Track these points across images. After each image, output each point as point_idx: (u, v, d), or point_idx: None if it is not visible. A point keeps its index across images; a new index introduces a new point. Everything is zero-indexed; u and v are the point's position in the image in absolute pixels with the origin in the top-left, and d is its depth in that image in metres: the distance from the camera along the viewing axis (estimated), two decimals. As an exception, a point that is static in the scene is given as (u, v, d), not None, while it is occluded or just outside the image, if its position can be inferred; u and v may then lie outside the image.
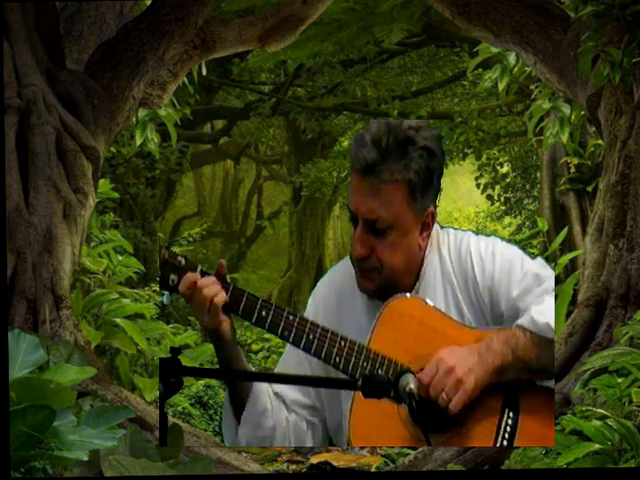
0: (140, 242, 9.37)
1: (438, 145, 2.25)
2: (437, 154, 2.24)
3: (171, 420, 4.51)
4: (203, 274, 2.18)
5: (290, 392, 2.34)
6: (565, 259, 7.02)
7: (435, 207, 2.29)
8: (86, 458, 2.90)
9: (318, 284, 2.48)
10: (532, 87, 7.34)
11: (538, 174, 9.87)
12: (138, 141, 6.71)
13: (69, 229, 4.81)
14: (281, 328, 2.17)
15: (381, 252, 2.23)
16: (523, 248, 2.35)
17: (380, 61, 11.14)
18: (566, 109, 6.53)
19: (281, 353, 2.48)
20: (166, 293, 2.19)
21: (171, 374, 1.94)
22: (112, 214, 7.39)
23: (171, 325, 7.20)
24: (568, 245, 7.85)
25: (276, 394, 2.33)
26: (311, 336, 2.16)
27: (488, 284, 2.24)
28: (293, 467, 5.15)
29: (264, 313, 2.17)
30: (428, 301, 2.24)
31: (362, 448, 5.28)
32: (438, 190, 2.29)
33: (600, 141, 6.68)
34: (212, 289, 2.16)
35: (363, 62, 10.98)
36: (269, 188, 18.48)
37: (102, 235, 6.37)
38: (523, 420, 2.15)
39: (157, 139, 6.97)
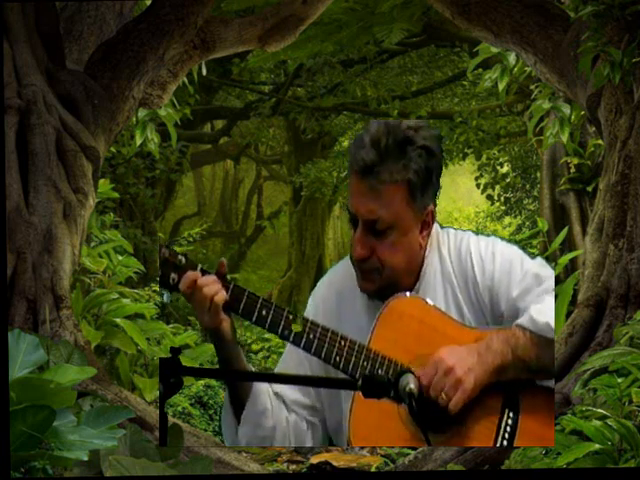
0: (140, 242, 9.37)
1: (437, 144, 2.25)
2: (436, 153, 2.23)
3: (171, 420, 4.51)
4: (204, 273, 2.18)
5: (290, 392, 2.34)
6: (565, 259, 7.02)
7: (435, 206, 2.29)
8: (86, 458, 2.90)
9: (318, 284, 2.48)
10: (532, 87, 7.34)
11: (538, 174, 9.87)
12: (138, 141, 6.71)
13: (69, 229, 4.81)
14: (281, 327, 2.17)
15: (382, 253, 2.23)
16: (523, 248, 2.35)
17: (380, 61, 11.14)
18: (566, 109, 6.53)
19: (281, 353, 2.48)
20: (166, 292, 2.19)
21: (171, 374, 1.94)
22: (112, 214, 7.39)
23: (171, 325, 7.20)
24: (568, 245, 7.85)
25: (276, 394, 2.33)
26: (311, 335, 2.16)
27: (488, 284, 2.24)
28: (293, 467, 5.15)
29: (264, 312, 2.17)
30: (428, 301, 2.24)
31: (362, 448, 5.28)
32: (437, 189, 2.29)
33: (600, 141, 6.68)
34: (212, 288, 2.15)
35: (363, 62, 10.98)
36: (269, 188, 18.48)
37: (102, 235, 6.37)
38: (523, 420, 2.15)
39: (157, 139, 6.97)
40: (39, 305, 4.44)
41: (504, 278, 2.23)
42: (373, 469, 4.75)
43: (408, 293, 2.25)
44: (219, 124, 14.65)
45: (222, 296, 2.16)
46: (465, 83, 11.64)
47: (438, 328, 2.20)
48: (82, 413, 3.24)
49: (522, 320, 2.15)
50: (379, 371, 2.15)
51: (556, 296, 4.95)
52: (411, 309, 2.22)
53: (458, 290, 2.28)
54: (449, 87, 12.05)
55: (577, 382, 3.97)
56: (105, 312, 5.45)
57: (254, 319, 2.18)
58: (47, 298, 4.48)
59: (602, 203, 4.95)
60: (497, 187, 11.76)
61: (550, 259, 7.05)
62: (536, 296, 2.19)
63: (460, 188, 18.62)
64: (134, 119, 6.42)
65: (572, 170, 8.07)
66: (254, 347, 9.27)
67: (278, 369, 2.43)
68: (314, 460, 5.01)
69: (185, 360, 1.97)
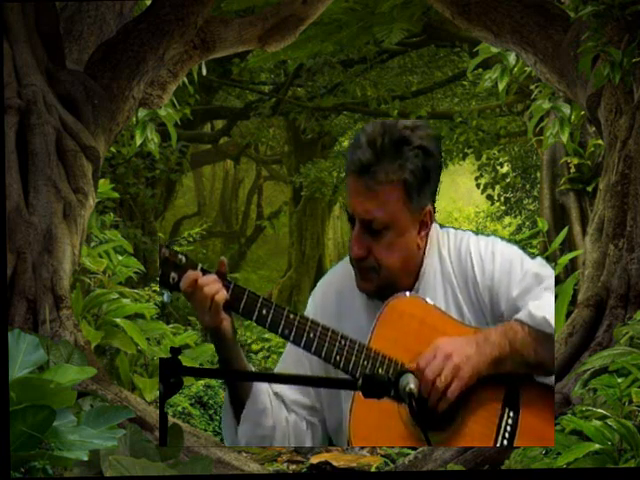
0: (140, 242, 9.37)
1: (435, 144, 2.24)
2: (433, 153, 2.23)
3: (171, 420, 4.51)
4: (204, 272, 2.18)
5: (290, 392, 2.34)
6: (565, 259, 7.02)
7: (433, 206, 2.29)
8: (86, 458, 2.90)
9: (318, 284, 2.48)
10: (532, 87, 7.34)
11: (538, 174, 9.88)
12: (138, 141, 6.71)
13: (69, 229, 4.81)
14: (281, 327, 2.17)
15: (378, 252, 2.23)
16: (523, 248, 2.34)
17: (380, 61, 11.14)
18: (566, 109, 6.53)
19: (281, 353, 2.48)
20: (166, 291, 2.19)
21: (171, 374, 1.94)
22: (112, 214, 7.39)
23: (171, 325, 7.20)
24: (568, 245, 7.85)
25: (276, 394, 2.33)
26: (311, 335, 2.16)
27: (488, 284, 2.24)
28: (293, 467, 5.15)
29: (265, 312, 2.17)
30: (428, 300, 2.24)
31: (362, 448, 5.28)
32: (436, 189, 2.28)
33: (600, 141, 6.68)
34: (213, 287, 2.15)
35: (363, 62, 10.98)
36: (269, 188, 18.49)
37: (102, 235, 6.37)
38: (523, 420, 2.15)
39: (157, 139, 6.97)
40: (39, 305, 4.44)
41: (504, 278, 2.23)
42: (373, 469, 4.75)
43: (408, 293, 2.25)
44: (219, 124, 14.65)
45: (223, 295, 2.16)
46: (465, 83, 11.64)
47: (438, 328, 2.20)
48: (82, 413, 3.24)
49: (520, 315, 2.16)
50: (379, 370, 2.15)
51: (556, 296, 4.95)
52: (411, 308, 2.22)
53: (458, 290, 2.28)
54: (449, 87, 12.05)
55: (577, 382, 3.97)
56: (105, 312, 5.45)
57: (254, 318, 2.18)
58: (47, 298, 4.48)
59: (602, 203, 4.95)
60: (497, 187, 11.76)
61: (550, 259, 7.05)
62: (536, 295, 2.19)
63: (460, 188, 18.62)
64: (134, 119, 6.42)
65: (572, 170, 8.07)
66: (254, 347, 9.28)
67: (278, 369, 2.43)
68: (314, 460, 5.01)
69: (185, 360, 1.97)
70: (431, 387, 2.08)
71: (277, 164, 17.01)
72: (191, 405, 6.01)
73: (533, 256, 2.30)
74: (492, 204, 12.54)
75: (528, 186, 11.72)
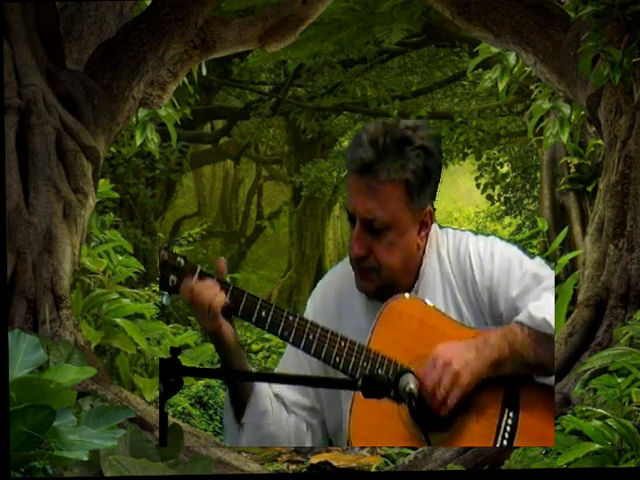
0: (140, 242, 9.37)
1: (435, 144, 2.24)
2: (434, 153, 2.23)
3: (171, 420, 4.51)
4: (202, 275, 2.17)
5: (289, 393, 2.34)
6: (565, 259, 7.03)
7: (433, 206, 2.29)
8: (86, 458, 2.90)
9: (317, 285, 2.48)
10: (532, 87, 7.34)
11: (538, 174, 9.88)
12: (138, 141, 6.71)
13: (69, 229, 4.81)
14: (281, 328, 2.17)
15: (379, 252, 2.23)
16: (523, 248, 2.34)
17: (380, 61, 11.14)
18: (566, 109, 6.53)
19: (281, 353, 2.48)
20: (165, 294, 2.19)
21: (171, 374, 1.94)
22: (112, 214, 7.40)
23: (171, 325, 7.21)
24: (568, 245, 7.86)
25: (276, 395, 2.33)
26: (311, 336, 2.16)
27: (487, 284, 2.24)
28: (293, 467, 5.15)
29: (264, 313, 2.17)
30: (428, 301, 2.24)
31: (362, 448, 5.28)
32: (436, 189, 2.28)
33: (600, 141, 6.68)
34: (210, 292, 2.15)
35: (363, 62, 10.98)
36: (269, 188, 18.49)
37: (102, 235, 6.37)
38: (523, 420, 2.15)
39: (157, 139, 6.97)
40: (39, 305, 4.44)
41: (503, 278, 2.23)
42: (373, 469, 4.75)
43: (407, 294, 2.25)
44: (219, 124, 14.65)
45: (220, 299, 2.16)
46: (465, 83, 11.64)
47: (438, 328, 2.20)
48: (82, 413, 3.24)
49: (520, 316, 2.16)
50: (379, 371, 2.15)
51: (556, 296, 4.95)
52: (411, 309, 2.22)
53: (457, 290, 2.28)
54: (449, 87, 12.05)
55: (577, 382, 3.97)
56: (105, 312, 5.45)
57: (254, 320, 2.18)
58: (47, 298, 4.48)
59: (602, 203, 4.95)
60: (497, 187, 11.76)
61: (550, 259, 7.06)
62: (535, 295, 2.19)
63: (460, 188, 18.62)
64: (134, 119, 6.42)
65: (572, 170, 8.07)
66: (254, 347, 9.28)
67: (278, 370, 2.43)
68: (314, 460, 5.02)
69: (185, 360, 1.97)
70: (432, 397, 2.09)
71: (277, 164, 17.02)
72: (191, 405, 6.01)
73: (532, 256, 2.30)
74: (492, 204, 12.55)
75: (528, 186, 11.72)
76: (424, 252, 2.30)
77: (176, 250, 2.22)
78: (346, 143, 13.96)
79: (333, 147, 14.81)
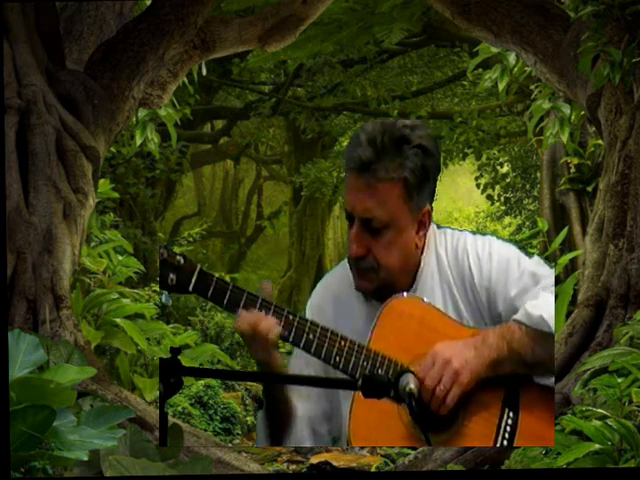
0: (140, 242, 9.37)
1: (433, 143, 2.25)
2: (433, 153, 2.23)
3: (171, 420, 4.51)
4: (248, 302, 2.16)
5: (321, 427, 2.37)
6: (565, 259, 7.02)
7: (431, 206, 2.29)
8: (86, 458, 2.90)
9: (316, 287, 2.48)
10: (532, 87, 7.34)
11: (538, 174, 9.87)
12: (138, 141, 6.70)
13: (69, 229, 4.81)
14: (281, 327, 2.17)
15: (377, 251, 2.23)
16: (522, 247, 2.35)
17: (380, 61, 11.14)
18: (566, 109, 6.53)
19: (282, 353, 2.48)
20: (165, 293, 2.18)
21: (171, 374, 1.94)
22: (112, 214, 7.40)
23: (171, 325, 7.20)
24: (568, 245, 7.85)
25: (314, 431, 2.37)
26: (311, 336, 2.16)
27: (485, 284, 2.25)
28: (293, 467, 5.15)
29: (264, 312, 2.17)
30: (427, 300, 2.24)
31: (362, 448, 5.28)
32: (434, 189, 2.29)
33: (600, 141, 6.68)
34: (267, 324, 2.16)
35: (363, 62, 10.98)
36: (269, 188, 18.48)
37: (102, 235, 6.37)
38: (523, 420, 2.15)
39: (157, 139, 6.97)
40: (39, 305, 4.44)
41: (501, 277, 2.23)
42: (373, 469, 4.75)
43: (406, 293, 2.25)
44: (219, 124, 14.65)
45: (277, 332, 2.17)
46: (465, 83, 11.64)
47: (438, 328, 2.20)
48: (82, 413, 3.24)
49: (518, 315, 2.16)
50: (379, 371, 2.15)
51: (556, 296, 4.95)
52: (410, 309, 2.22)
53: (455, 290, 2.28)
54: (449, 87, 12.04)
55: (577, 382, 3.97)
56: (105, 312, 5.45)
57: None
58: (47, 298, 4.48)
59: (602, 203, 4.95)
60: (497, 187, 11.76)
61: (550, 259, 7.06)
62: (533, 294, 2.19)
63: (460, 188, 18.61)
64: (134, 119, 6.42)
65: (572, 170, 8.07)
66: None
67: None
68: (314, 460, 5.02)
69: (185, 360, 1.97)
70: (431, 395, 2.09)
71: (277, 164, 17.01)
72: (191, 405, 6.02)
73: (531, 255, 2.30)
74: (492, 204, 12.54)
75: (528, 186, 11.72)
76: (422, 252, 2.30)
77: (176, 250, 2.22)
78: (346, 143, 13.95)
79: (333, 147, 14.81)
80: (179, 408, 5.91)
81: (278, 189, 18.19)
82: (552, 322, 2.14)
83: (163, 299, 2.22)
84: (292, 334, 2.17)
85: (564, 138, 6.66)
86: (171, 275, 2.16)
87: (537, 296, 2.18)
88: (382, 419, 2.16)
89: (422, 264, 2.30)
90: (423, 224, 2.28)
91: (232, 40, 6.29)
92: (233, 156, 15.39)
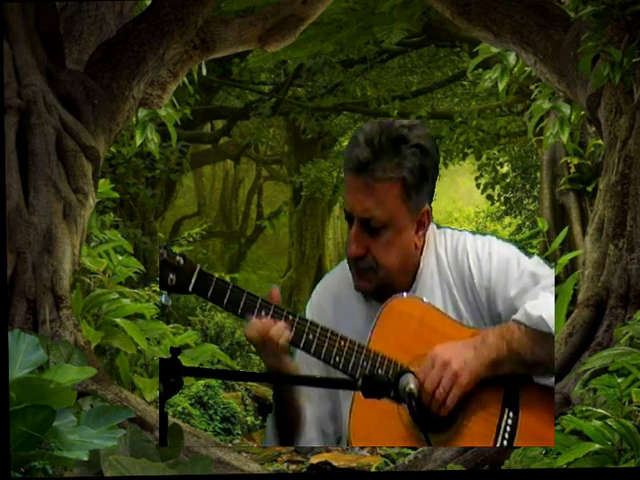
0: (140, 242, 9.37)
1: (432, 143, 2.24)
2: (431, 152, 2.23)
3: (171, 420, 4.51)
4: (260, 309, 2.17)
5: (329, 429, 2.38)
6: (565, 259, 7.03)
7: (430, 206, 2.29)
8: (86, 458, 2.90)
9: (316, 287, 2.48)
10: (532, 87, 7.34)
11: (538, 174, 9.88)
12: (138, 141, 6.71)
13: (69, 229, 4.81)
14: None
15: (376, 251, 2.23)
16: (522, 247, 2.34)
17: (380, 61, 11.14)
18: (566, 109, 6.53)
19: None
20: (165, 293, 2.18)
21: (171, 374, 1.94)
22: (112, 214, 7.40)
23: (171, 325, 7.20)
24: (568, 245, 7.86)
25: (323, 432, 2.37)
26: (311, 336, 2.16)
27: (485, 284, 2.24)
28: (293, 467, 5.15)
29: (263, 313, 2.17)
30: (427, 300, 2.24)
31: (362, 448, 5.29)
32: (433, 189, 2.28)
33: (600, 141, 6.68)
34: (277, 331, 2.15)
35: (363, 62, 10.98)
36: (269, 188, 18.48)
37: (102, 235, 6.37)
38: (523, 420, 2.15)
39: (157, 139, 6.97)
40: (39, 305, 4.44)
41: (501, 277, 2.23)
42: (373, 469, 4.75)
43: (406, 293, 2.25)
44: (219, 124, 14.65)
45: (287, 337, 2.16)
46: (465, 83, 11.64)
47: (438, 328, 2.20)
48: (82, 413, 3.24)
49: (517, 315, 2.16)
50: (379, 371, 2.15)
51: (556, 296, 4.95)
52: (410, 309, 2.22)
53: (455, 290, 2.28)
54: (449, 87, 12.05)
55: (577, 382, 3.97)
56: (105, 312, 5.45)
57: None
58: (47, 298, 4.48)
59: (602, 203, 4.95)
60: (497, 187, 11.76)
61: (550, 259, 7.06)
62: (533, 295, 2.19)
63: (460, 188, 18.61)
64: (134, 119, 6.42)
65: (572, 170, 8.07)
66: (255, 347, 9.25)
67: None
68: (314, 460, 5.02)
69: (185, 360, 1.97)
70: (431, 397, 2.09)
71: (277, 164, 17.01)
72: (191, 405, 6.02)
73: (530, 255, 2.30)
74: (492, 204, 12.54)
75: (528, 186, 11.72)
76: (422, 252, 2.30)
77: (176, 250, 2.21)
78: (346, 143, 13.85)
79: (333, 147, 14.81)
80: (179, 408, 5.91)
81: (278, 189, 18.19)
82: (552, 322, 2.14)
83: (163, 299, 2.21)
84: (292, 334, 2.17)
85: (564, 138, 6.67)
86: (171, 275, 2.16)
87: (537, 296, 2.18)
88: (382, 419, 2.16)
89: (422, 264, 2.30)
90: (422, 224, 2.27)
91: (232, 40, 6.29)
92: (233, 156, 15.39)
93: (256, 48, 7.39)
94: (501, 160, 11.54)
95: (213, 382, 6.24)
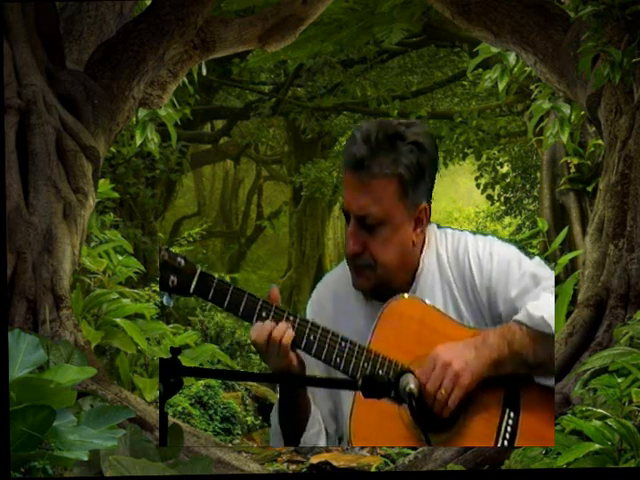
0: (140, 242, 9.38)
1: (429, 141, 2.24)
2: (428, 150, 2.23)
3: (171, 420, 4.51)
4: (261, 313, 2.17)
5: (328, 424, 2.38)
6: (565, 259, 7.03)
7: (429, 204, 2.29)
8: (86, 458, 2.90)
9: (315, 288, 2.48)
10: (532, 87, 7.34)
11: (538, 174, 9.88)
12: (138, 141, 6.71)
13: (69, 229, 4.81)
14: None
15: (374, 248, 2.23)
16: (522, 248, 2.34)
17: (380, 61, 11.15)
18: (566, 109, 6.53)
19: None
20: (165, 294, 2.18)
21: (171, 374, 1.94)
22: (112, 214, 7.40)
23: (171, 325, 7.20)
24: (568, 245, 7.86)
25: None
26: (312, 337, 2.16)
27: (486, 284, 2.24)
28: (293, 467, 5.15)
29: (264, 314, 2.17)
30: (427, 301, 2.24)
31: (362, 448, 5.29)
32: (431, 186, 2.28)
33: (600, 141, 6.68)
34: (279, 331, 2.15)
35: (363, 62, 10.98)
36: (269, 188, 18.48)
37: (102, 235, 6.37)
38: (523, 420, 2.15)
39: (157, 139, 6.97)
40: (39, 305, 4.44)
41: (502, 278, 2.23)
42: (373, 469, 4.75)
43: (406, 294, 2.25)
44: (219, 124, 14.65)
45: (289, 336, 2.16)
46: (465, 83, 11.64)
47: (438, 329, 2.20)
48: (82, 413, 3.24)
49: (518, 315, 2.16)
50: (379, 372, 2.15)
51: (556, 296, 4.95)
52: (411, 310, 2.22)
53: (456, 290, 2.28)
54: (449, 87, 12.05)
55: (577, 382, 3.97)
56: (105, 312, 5.45)
57: (254, 321, 2.18)
58: (47, 298, 4.48)
59: (602, 203, 4.95)
60: (497, 187, 11.76)
61: (550, 259, 7.06)
62: (534, 295, 2.19)
63: (460, 188, 18.61)
64: (134, 119, 6.42)
65: (572, 170, 8.07)
66: (255, 347, 9.25)
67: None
68: (314, 460, 5.02)
69: (185, 360, 1.97)
70: (433, 399, 2.09)
71: (277, 164, 17.01)
72: (191, 405, 6.02)
73: (531, 256, 2.30)
74: (492, 204, 12.55)
75: (528, 186, 11.72)
76: (421, 250, 2.30)
77: (176, 250, 2.21)
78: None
79: (333, 147, 14.81)
80: (179, 408, 5.91)
81: (278, 189, 18.19)
82: (552, 323, 2.14)
83: (165, 300, 2.21)
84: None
85: (564, 138, 6.67)
86: (172, 277, 2.16)
87: (538, 297, 2.18)
88: (383, 419, 2.16)
89: (422, 264, 2.30)
90: (420, 221, 2.27)
91: (232, 40, 6.29)
92: (233, 156, 15.39)
93: (256, 48, 7.39)
94: (501, 160, 11.54)
95: (213, 382, 6.24)
